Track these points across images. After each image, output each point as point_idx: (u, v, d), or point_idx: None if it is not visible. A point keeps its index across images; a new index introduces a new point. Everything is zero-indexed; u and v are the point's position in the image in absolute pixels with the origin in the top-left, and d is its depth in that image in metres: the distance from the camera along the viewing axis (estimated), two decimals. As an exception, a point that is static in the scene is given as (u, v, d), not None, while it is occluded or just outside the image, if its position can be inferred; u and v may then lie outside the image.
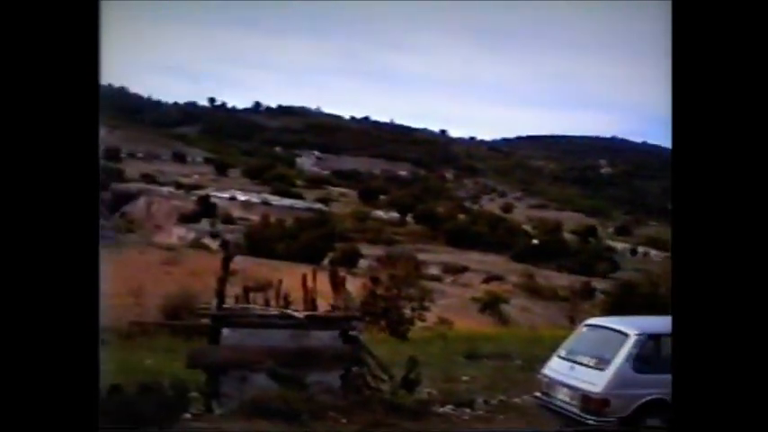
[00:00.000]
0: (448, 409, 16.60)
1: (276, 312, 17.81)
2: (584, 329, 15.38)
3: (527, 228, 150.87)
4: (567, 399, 14.04)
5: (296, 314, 17.42)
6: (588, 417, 13.36)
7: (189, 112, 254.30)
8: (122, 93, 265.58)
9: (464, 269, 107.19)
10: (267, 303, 19.38)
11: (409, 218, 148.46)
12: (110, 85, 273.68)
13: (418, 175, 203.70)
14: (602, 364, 13.67)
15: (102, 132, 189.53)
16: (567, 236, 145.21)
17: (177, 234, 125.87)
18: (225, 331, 16.86)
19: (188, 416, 15.13)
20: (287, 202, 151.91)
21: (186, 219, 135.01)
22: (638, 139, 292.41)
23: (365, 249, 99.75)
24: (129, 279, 60.81)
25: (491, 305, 62.40)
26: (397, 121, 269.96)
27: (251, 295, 20.48)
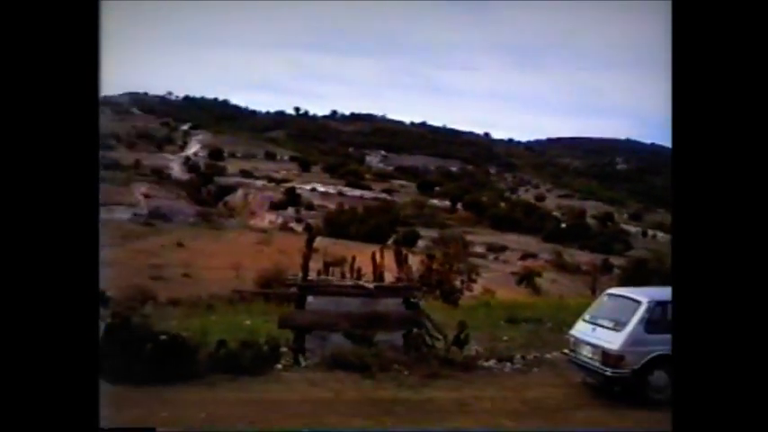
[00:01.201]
0: (491, 363, 16.57)
1: (350, 283, 17.91)
2: (605, 298, 15.33)
3: (556, 214, 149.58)
4: (590, 354, 14.03)
5: (366, 285, 17.52)
6: (607, 369, 13.40)
7: (278, 119, 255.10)
8: (225, 105, 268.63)
9: (504, 248, 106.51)
10: (343, 276, 19.52)
11: (459, 206, 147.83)
12: (215, 98, 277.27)
13: (466, 170, 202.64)
14: (618, 326, 13.67)
15: (209, 137, 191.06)
16: (590, 221, 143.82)
17: (268, 219, 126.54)
18: (309, 299, 17.02)
19: (279, 367, 15.25)
20: (358, 192, 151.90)
21: (276, 207, 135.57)
22: (648, 141, 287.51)
23: (422, 232, 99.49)
24: (230, 256, 61.43)
25: (526, 278, 62.13)
26: (449, 126, 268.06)
27: (330, 269, 20.64)
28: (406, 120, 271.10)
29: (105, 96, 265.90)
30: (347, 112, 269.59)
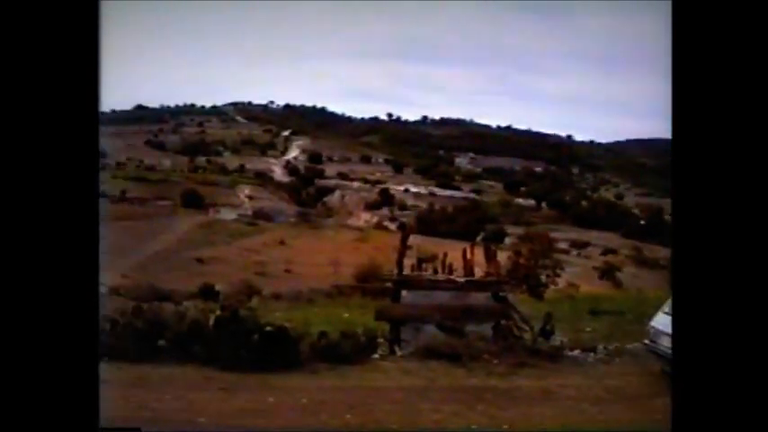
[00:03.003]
0: (576, 353, 16.37)
1: (442, 278, 17.92)
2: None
3: (635, 211, 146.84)
4: (669, 345, 13.76)
5: (457, 279, 17.51)
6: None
7: (372, 125, 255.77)
8: (323, 112, 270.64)
9: (586, 244, 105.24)
10: (435, 271, 19.50)
11: (543, 204, 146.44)
12: (313, 106, 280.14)
13: (550, 170, 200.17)
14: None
15: (308, 142, 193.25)
16: (667, 218, 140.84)
17: (364, 218, 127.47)
18: (403, 293, 17.09)
19: (376, 356, 15.34)
20: (448, 192, 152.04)
21: (371, 206, 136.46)
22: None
23: (509, 229, 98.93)
24: (328, 253, 62.09)
25: (608, 272, 61.33)
26: (534, 129, 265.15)
27: (422, 265, 20.66)
28: (493, 123, 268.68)
29: (213, 107, 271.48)
30: (437, 117, 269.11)
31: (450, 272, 19.01)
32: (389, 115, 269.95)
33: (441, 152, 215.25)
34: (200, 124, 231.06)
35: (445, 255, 19.92)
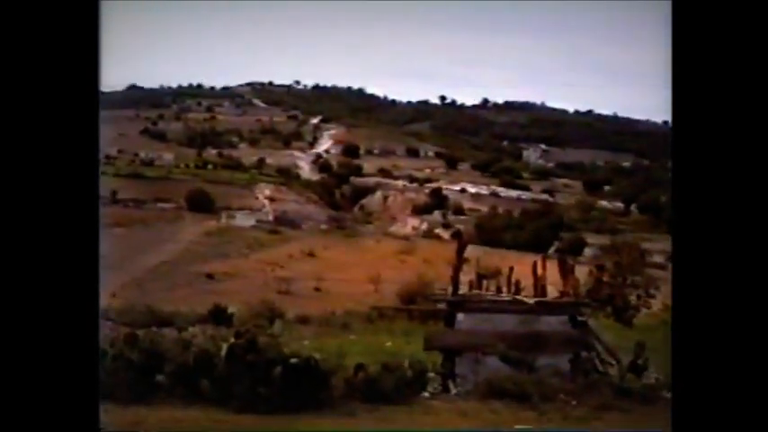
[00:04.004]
0: (675, 393, 16.19)
1: (507, 298, 17.88)
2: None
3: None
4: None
5: (526, 300, 17.44)
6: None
7: (421, 110, 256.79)
8: (361, 94, 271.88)
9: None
10: (498, 290, 19.49)
11: (633, 207, 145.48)
12: (349, 87, 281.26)
13: (641, 165, 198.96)
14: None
15: (342, 131, 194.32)
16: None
17: (411, 225, 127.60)
18: (459, 316, 17.07)
19: (426, 394, 15.32)
20: (514, 193, 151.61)
21: (419, 210, 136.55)
22: None
23: (590, 238, 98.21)
24: (367, 267, 62.22)
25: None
26: (620, 114, 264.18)
27: (483, 282, 20.64)
28: (570, 107, 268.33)
29: (225, 88, 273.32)
30: (500, 101, 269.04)
31: (518, 291, 18.98)
32: (442, 98, 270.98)
33: (505, 143, 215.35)
34: (210, 109, 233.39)
35: (511, 270, 19.92)
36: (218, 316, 28.29)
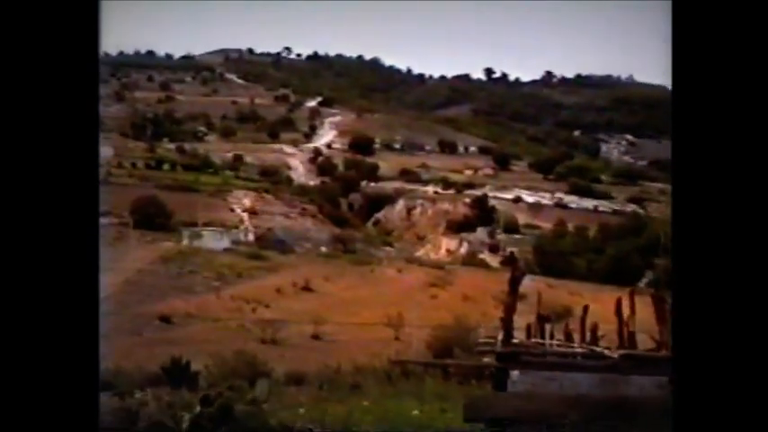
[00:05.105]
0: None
1: (581, 350, 17.82)
2: None
3: None
4: None
5: (607, 352, 17.37)
6: None
7: (459, 88, 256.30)
8: (375, 66, 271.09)
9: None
10: (568, 337, 19.43)
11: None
12: (359, 57, 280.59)
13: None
14: None
15: (350, 118, 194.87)
16: None
17: (446, 247, 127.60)
18: (514, 374, 17.00)
19: (468, 484, 15.33)
20: (588, 203, 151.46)
21: (457, 227, 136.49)
22: None
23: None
24: (386, 305, 62.30)
25: None
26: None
27: (546, 326, 20.59)
28: (668, 83, 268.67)
29: (187, 57, 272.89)
30: (570, 74, 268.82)
31: (595, 339, 18.93)
32: (488, 72, 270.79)
33: (576, 133, 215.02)
34: (165, 86, 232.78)
35: (585, 309, 19.90)
36: (177, 375, 28.26)
